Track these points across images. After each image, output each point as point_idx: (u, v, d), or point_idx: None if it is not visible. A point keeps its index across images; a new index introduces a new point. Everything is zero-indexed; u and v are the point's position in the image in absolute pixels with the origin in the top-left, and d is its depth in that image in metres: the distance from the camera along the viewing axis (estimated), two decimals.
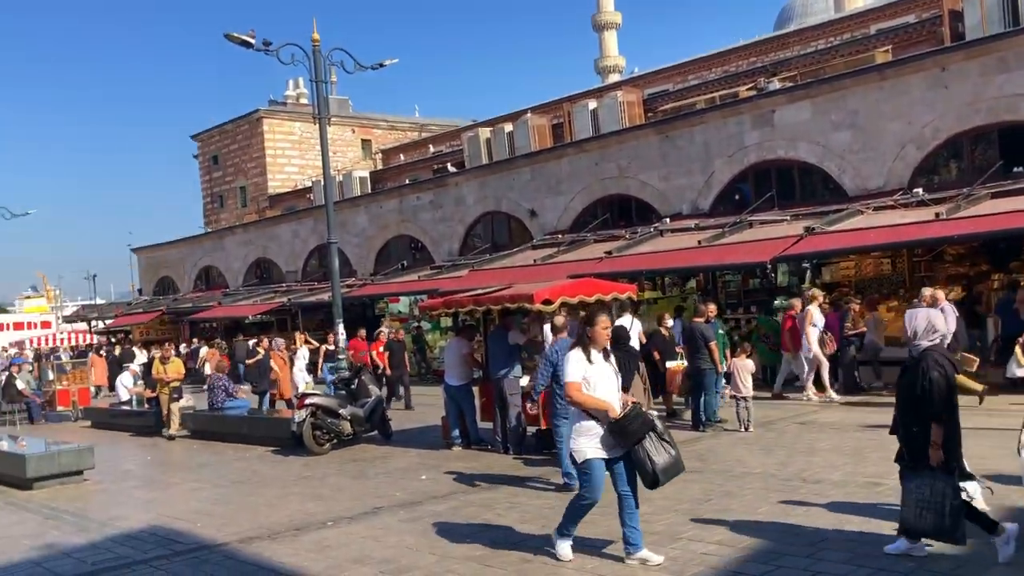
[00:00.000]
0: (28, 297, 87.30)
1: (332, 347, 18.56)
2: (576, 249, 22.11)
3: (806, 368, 14.39)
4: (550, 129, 30.44)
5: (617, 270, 18.17)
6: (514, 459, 11.06)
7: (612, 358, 6.58)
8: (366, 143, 48.54)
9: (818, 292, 14.98)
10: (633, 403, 6.40)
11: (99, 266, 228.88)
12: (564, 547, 6.51)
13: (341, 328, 17.37)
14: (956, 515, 5.58)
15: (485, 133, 32.07)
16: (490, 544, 7.12)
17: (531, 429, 11.53)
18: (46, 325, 57.02)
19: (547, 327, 10.92)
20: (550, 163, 25.56)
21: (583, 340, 6.48)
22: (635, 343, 7.23)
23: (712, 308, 13.38)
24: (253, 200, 47.37)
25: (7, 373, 22.73)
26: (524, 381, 11.16)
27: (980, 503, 6.03)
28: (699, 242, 18.51)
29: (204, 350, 26.94)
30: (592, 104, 28.71)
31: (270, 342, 18.56)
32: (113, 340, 40.09)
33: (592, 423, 6.23)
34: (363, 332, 20.03)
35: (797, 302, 14.87)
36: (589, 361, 6.37)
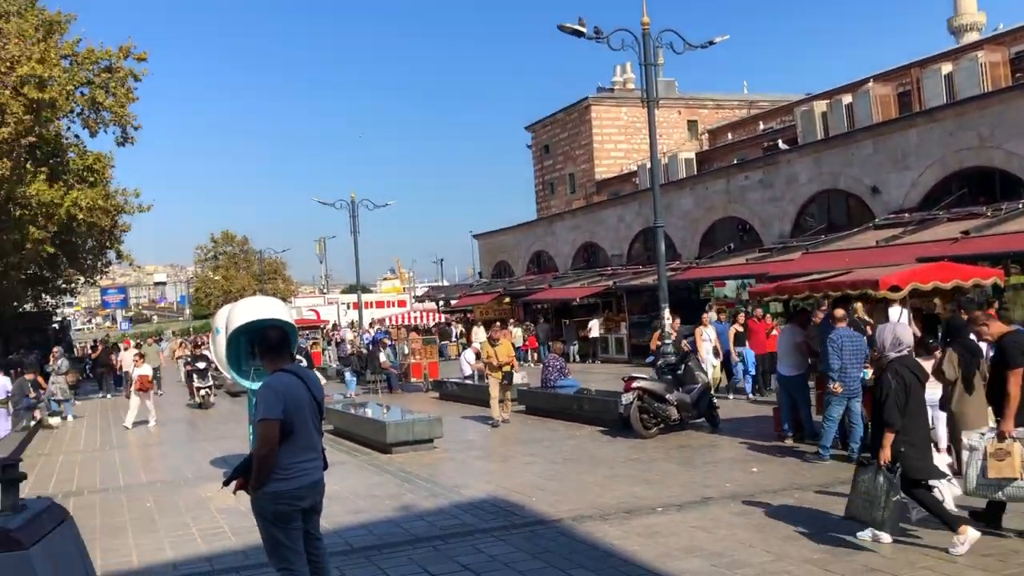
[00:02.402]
0: (386, 279, 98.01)
1: (740, 329, 17.57)
2: (926, 229, 20.12)
3: None
4: (895, 98, 27.98)
5: (977, 252, 16.25)
6: (853, 455, 10.29)
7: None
8: (692, 124, 47.97)
9: None
10: None
11: (445, 251, 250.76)
12: None
13: (667, 312, 17.31)
14: (892, 510, 6.30)
15: (821, 106, 30.24)
16: (829, 546, 6.69)
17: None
18: (402, 304, 63.54)
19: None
20: (895, 135, 23.45)
21: None
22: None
23: None
24: (581, 186, 48.86)
25: (372, 347, 25.55)
26: (867, 374, 10.33)
27: (949, 502, 6.68)
28: None
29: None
30: (946, 68, 25.90)
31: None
32: (454, 319, 43.61)
33: None
34: (759, 312, 18.11)
35: None
36: None
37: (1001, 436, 6.51)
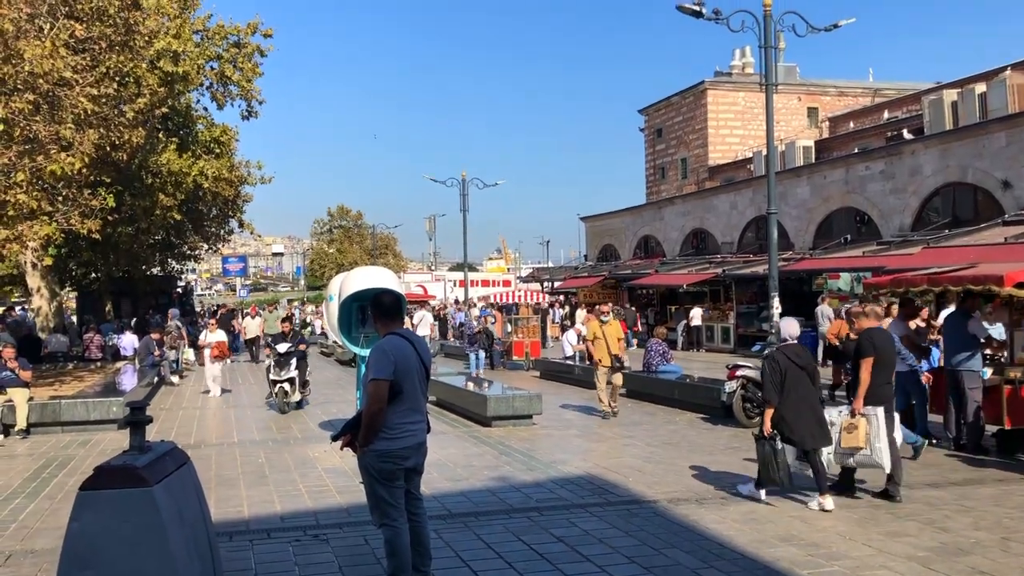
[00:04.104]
0: (491, 259, 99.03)
1: (922, 324, 13.56)
2: None
3: None
4: None
5: None
6: (967, 458, 9.91)
7: None
8: (812, 111, 46.51)
9: None
10: None
11: (552, 232, 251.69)
12: None
13: (776, 302, 16.95)
14: (781, 470, 7.58)
15: (951, 95, 28.87)
16: (936, 547, 6.48)
17: (991, 428, 10.24)
18: (507, 283, 64.07)
19: None
20: None
21: None
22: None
23: None
24: (693, 171, 48.08)
25: (479, 323, 25.91)
26: (987, 373, 9.93)
27: (829, 469, 7.92)
28: None
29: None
30: None
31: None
32: (556, 301, 43.68)
33: None
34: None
35: None
36: None
37: (852, 413, 7.89)
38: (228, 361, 25.93)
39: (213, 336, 18.61)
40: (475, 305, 36.35)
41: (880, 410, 7.90)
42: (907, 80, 46.28)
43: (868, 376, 7.88)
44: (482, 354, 22.95)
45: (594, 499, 8.26)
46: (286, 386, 14.96)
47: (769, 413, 7.68)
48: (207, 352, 18.51)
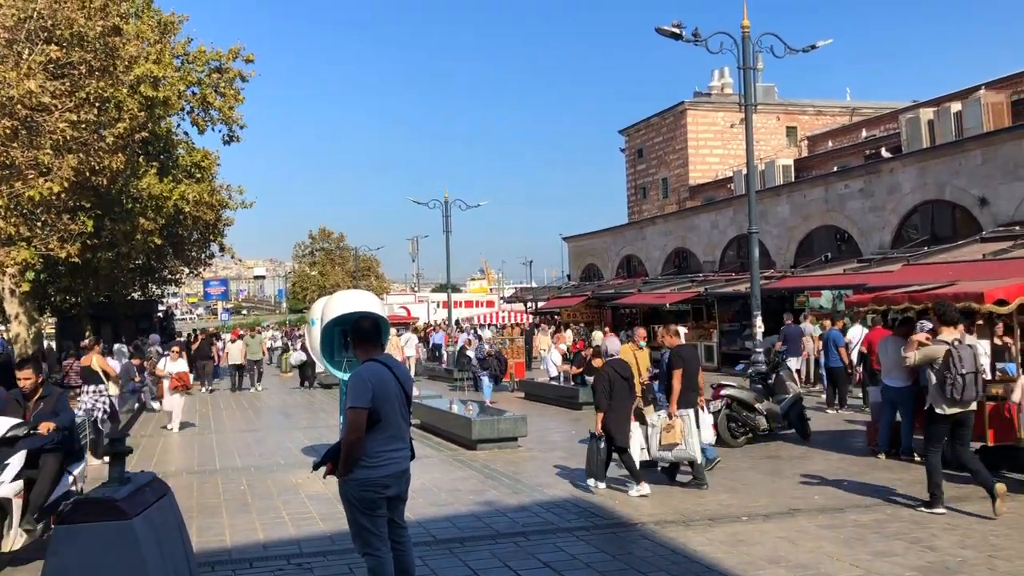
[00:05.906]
0: (474, 279, 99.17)
1: (999, 342, 12.01)
2: None
3: None
4: (1008, 107, 26.84)
5: None
6: (951, 475, 9.91)
7: None
8: (791, 130, 46.92)
9: None
10: None
11: (535, 253, 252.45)
12: None
13: (759, 320, 17.00)
14: (600, 465, 9.36)
15: (927, 114, 29.22)
16: (923, 567, 6.47)
17: (975, 444, 10.24)
18: (490, 304, 64.02)
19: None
20: (1008, 145, 22.44)
21: None
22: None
23: None
24: (674, 191, 48.34)
25: (461, 346, 25.84)
26: None
27: (636, 462, 9.44)
28: None
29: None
30: None
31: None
32: (539, 321, 43.64)
33: None
34: None
35: None
36: None
37: (669, 415, 9.49)
38: (204, 390, 25.58)
39: (174, 366, 16.78)
40: (485, 327, 35.57)
41: (690, 411, 9.50)
42: (884, 99, 46.88)
43: (679, 384, 9.49)
44: (487, 380, 20.62)
45: (580, 523, 8.21)
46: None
47: (599, 416, 9.18)
48: (166, 383, 16.84)
